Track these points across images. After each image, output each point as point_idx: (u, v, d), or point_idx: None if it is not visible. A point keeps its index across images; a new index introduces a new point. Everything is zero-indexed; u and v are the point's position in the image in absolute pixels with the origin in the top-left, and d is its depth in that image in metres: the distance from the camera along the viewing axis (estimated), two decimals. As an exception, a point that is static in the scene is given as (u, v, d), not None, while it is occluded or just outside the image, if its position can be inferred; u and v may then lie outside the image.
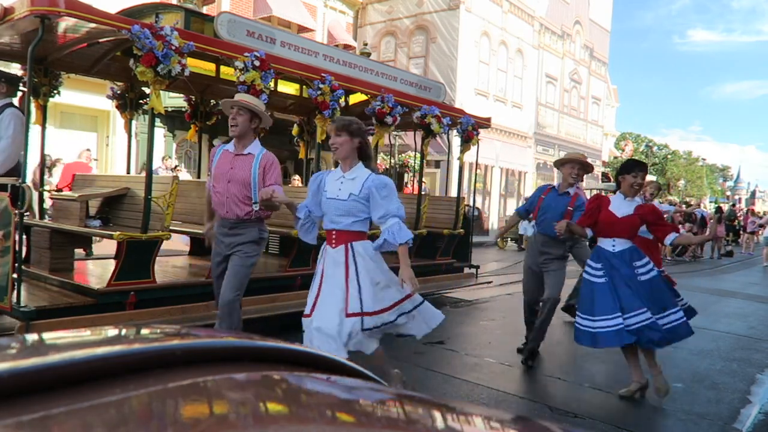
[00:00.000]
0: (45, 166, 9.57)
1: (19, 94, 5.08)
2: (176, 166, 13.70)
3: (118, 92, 6.10)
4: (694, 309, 3.96)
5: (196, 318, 4.69)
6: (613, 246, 4.02)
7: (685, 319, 3.92)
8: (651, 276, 3.95)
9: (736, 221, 23.72)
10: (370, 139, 7.24)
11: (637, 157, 39.85)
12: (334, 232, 3.30)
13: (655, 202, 6.90)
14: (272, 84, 5.48)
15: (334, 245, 3.29)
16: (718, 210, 20.39)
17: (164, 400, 0.59)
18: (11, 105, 4.85)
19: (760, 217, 22.57)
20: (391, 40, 20.68)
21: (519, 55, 22.00)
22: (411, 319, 3.37)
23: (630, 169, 4.01)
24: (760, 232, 19.68)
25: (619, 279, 3.92)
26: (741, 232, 23.28)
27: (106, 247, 8.25)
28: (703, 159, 51.49)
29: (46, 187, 6.94)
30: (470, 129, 7.28)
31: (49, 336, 0.79)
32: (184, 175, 12.93)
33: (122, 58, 5.30)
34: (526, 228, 5.10)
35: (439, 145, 12.83)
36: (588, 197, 4.76)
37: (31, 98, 4.59)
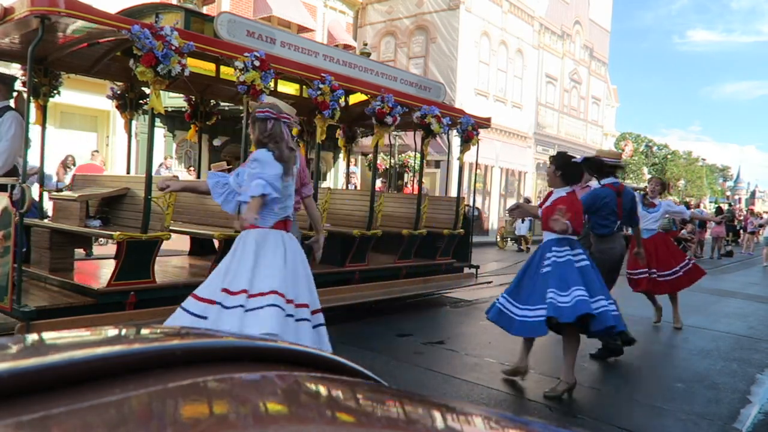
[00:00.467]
0: (66, 165, 9.69)
1: (15, 94, 5.06)
2: (190, 167, 13.83)
3: (118, 92, 6.10)
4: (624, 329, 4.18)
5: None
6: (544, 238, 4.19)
7: (605, 309, 3.84)
8: (549, 269, 3.95)
9: (736, 221, 23.72)
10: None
11: (636, 158, 39.92)
12: None
13: (661, 201, 6.85)
14: (272, 84, 5.49)
15: None
16: (719, 211, 20.34)
17: (164, 400, 0.59)
18: (10, 108, 4.85)
19: (760, 217, 22.56)
20: (390, 40, 20.68)
21: (519, 55, 22.00)
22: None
23: None
24: (761, 232, 19.68)
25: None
26: (741, 232, 23.27)
27: (106, 246, 8.25)
28: (703, 159, 51.46)
29: (61, 186, 6.93)
30: (470, 129, 7.28)
31: (49, 336, 0.80)
32: (185, 175, 12.98)
33: (122, 58, 5.30)
34: (521, 228, 5.28)
35: (439, 145, 12.83)
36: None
37: (31, 98, 4.59)
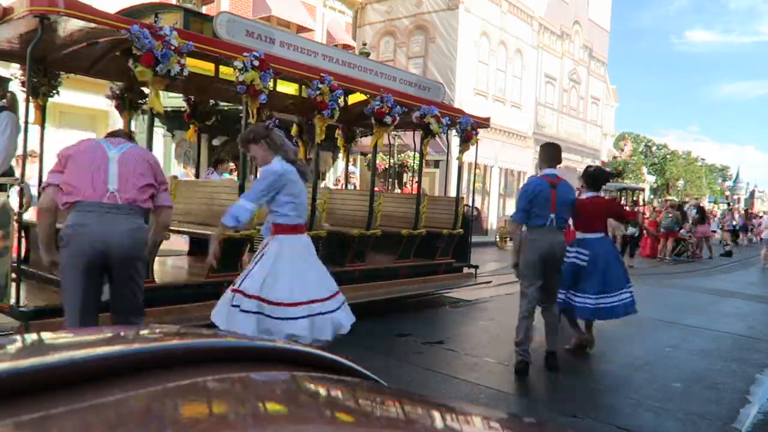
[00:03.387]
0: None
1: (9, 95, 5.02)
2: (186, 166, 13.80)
3: (117, 92, 6.09)
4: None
5: (196, 318, 4.69)
6: None
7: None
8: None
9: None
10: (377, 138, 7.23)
11: (635, 158, 39.88)
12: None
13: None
14: (271, 84, 5.48)
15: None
16: (700, 211, 19.81)
17: (164, 400, 0.59)
18: (4, 108, 4.84)
19: (759, 217, 22.55)
20: (390, 40, 20.68)
21: (518, 55, 22.00)
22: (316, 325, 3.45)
23: None
24: (761, 232, 19.64)
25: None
26: (740, 232, 23.27)
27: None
28: (702, 159, 51.42)
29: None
30: (469, 129, 7.28)
31: (48, 336, 0.79)
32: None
33: (121, 58, 5.28)
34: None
35: (438, 145, 12.81)
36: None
37: (30, 98, 4.58)
